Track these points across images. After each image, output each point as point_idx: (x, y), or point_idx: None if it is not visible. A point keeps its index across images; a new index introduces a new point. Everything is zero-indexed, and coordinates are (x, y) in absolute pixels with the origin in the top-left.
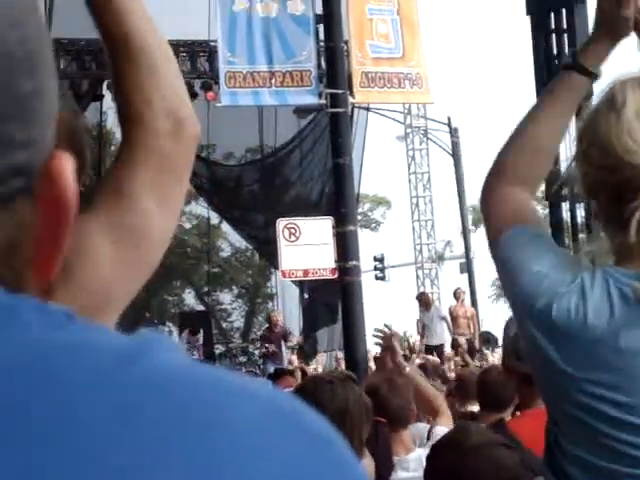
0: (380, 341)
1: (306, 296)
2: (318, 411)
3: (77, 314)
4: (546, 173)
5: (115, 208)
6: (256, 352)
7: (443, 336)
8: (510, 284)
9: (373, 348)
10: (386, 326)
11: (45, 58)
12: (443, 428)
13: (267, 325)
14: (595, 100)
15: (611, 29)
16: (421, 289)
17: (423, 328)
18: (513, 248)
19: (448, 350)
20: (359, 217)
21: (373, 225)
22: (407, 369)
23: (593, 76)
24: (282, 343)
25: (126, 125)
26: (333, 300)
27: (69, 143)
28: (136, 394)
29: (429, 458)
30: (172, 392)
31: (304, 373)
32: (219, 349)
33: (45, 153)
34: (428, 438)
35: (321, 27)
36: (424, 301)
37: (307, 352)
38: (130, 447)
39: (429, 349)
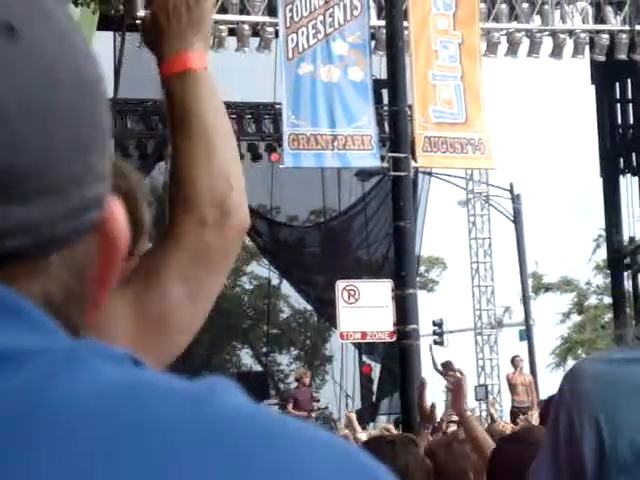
0: (450, 378)
1: (365, 360)
2: None
3: None
4: None
5: (144, 291)
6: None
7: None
8: None
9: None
10: (458, 370)
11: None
12: None
13: (296, 383)
14: None
15: None
16: (480, 355)
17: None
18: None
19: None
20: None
21: (430, 285)
22: (468, 413)
23: None
24: (312, 404)
25: (172, 207)
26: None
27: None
28: (204, 435)
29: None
30: (241, 433)
31: None
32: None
33: (110, 190)
34: None
35: (384, 91)
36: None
37: (364, 417)
38: None
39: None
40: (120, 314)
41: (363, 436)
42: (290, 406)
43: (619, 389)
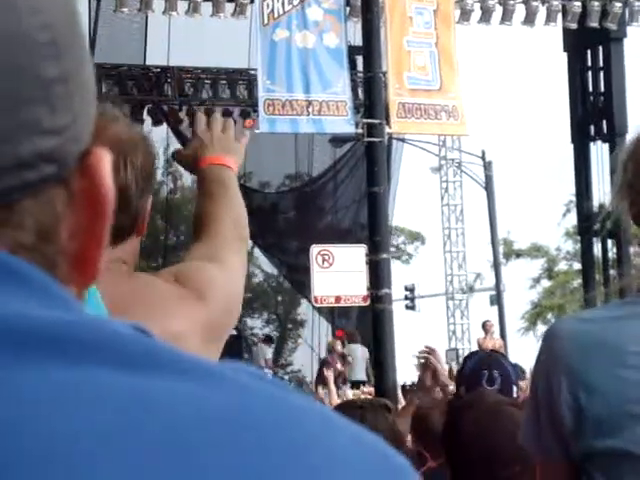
0: (423, 360)
1: (338, 324)
2: None
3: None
4: None
5: (220, 264)
6: (285, 377)
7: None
8: None
9: (400, 379)
10: (426, 347)
11: (74, 46)
12: None
13: (329, 351)
14: (635, 131)
15: None
16: (451, 320)
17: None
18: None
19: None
20: (392, 249)
21: (405, 258)
22: (451, 387)
23: None
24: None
25: (205, 226)
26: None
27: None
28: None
29: (448, 421)
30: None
31: None
32: None
33: (79, 144)
34: None
35: (359, 58)
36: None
37: (337, 380)
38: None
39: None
40: (220, 270)
41: (349, 393)
42: (330, 374)
43: (593, 347)
